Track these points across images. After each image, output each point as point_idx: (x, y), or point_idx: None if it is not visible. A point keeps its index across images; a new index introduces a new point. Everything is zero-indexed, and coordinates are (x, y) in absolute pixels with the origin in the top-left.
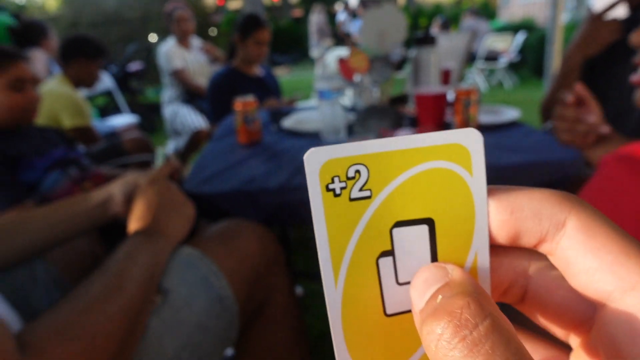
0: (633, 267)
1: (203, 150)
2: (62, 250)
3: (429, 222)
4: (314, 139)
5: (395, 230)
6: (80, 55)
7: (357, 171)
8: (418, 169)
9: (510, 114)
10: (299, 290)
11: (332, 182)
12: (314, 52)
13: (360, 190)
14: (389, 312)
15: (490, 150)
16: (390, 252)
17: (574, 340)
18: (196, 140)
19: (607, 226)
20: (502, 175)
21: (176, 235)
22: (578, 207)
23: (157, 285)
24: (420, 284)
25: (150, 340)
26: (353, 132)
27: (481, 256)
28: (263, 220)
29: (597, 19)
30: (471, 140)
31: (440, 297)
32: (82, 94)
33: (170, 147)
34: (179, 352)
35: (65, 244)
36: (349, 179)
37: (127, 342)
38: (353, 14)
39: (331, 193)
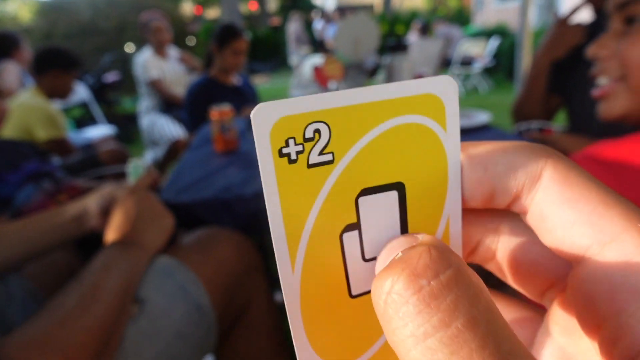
0: (613, 217)
1: (180, 160)
2: (38, 264)
3: (399, 187)
4: None
5: (362, 200)
6: (53, 66)
7: (317, 130)
8: (387, 125)
9: (481, 117)
10: (279, 296)
11: (287, 145)
12: (293, 60)
13: (321, 154)
14: (354, 292)
15: None
16: (355, 225)
17: (547, 301)
18: (174, 149)
19: (585, 177)
20: None
21: (153, 246)
22: (554, 157)
23: (134, 295)
24: (385, 253)
25: (128, 349)
26: None
27: (453, 222)
28: (240, 228)
29: (562, 23)
30: (446, 90)
31: (399, 253)
32: (57, 105)
33: (148, 157)
34: None
35: (41, 258)
36: (306, 140)
37: (104, 353)
38: (328, 19)
39: (285, 159)
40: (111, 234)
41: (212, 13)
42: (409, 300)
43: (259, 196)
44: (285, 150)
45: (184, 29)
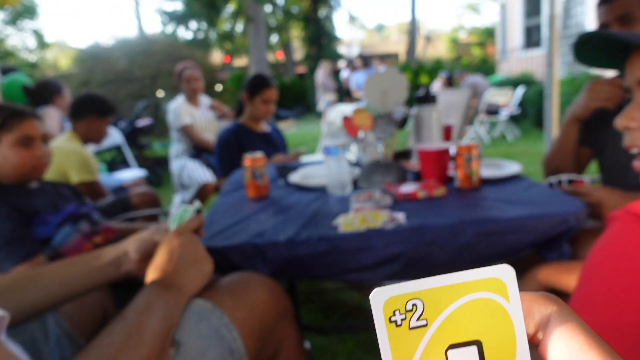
0: (591, 355)
1: (213, 205)
2: (73, 304)
3: (478, 344)
4: (321, 193)
5: (450, 352)
6: (90, 113)
7: (414, 305)
8: (465, 300)
9: (512, 168)
10: (306, 345)
11: (394, 314)
12: (320, 106)
13: (418, 320)
14: None
15: (493, 203)
16: None
17: None
18: (203, 193)
19: (577, 322)
20: (507, 228)
21: (191, 291)
22: (557, 305)
23: (172, 337)
24: None
25: None
26: (358, 187)
27: None
28: (272, 274)
29: (598, 83)
30: (505, 274)
31: None
32: (90, 148)
33: (177, 200)
34: None
35: (77, 299)
36: (407, 311)
37: None
38: (352, 67)
39: (393, 324)
40: (153, 273)
41: (240, 62)
42: None
43: (291, 242)
44: (393, 318)
45: (213, 76)
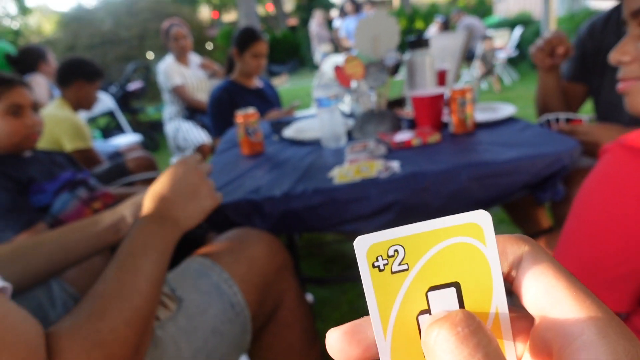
0: (560, 288)
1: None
2: (77, 269)
3: (456, 285)
4: (315, 146)
5: (430, 294)
6: (77, 77)
7: (396, 250)
8: (443, 244)
9: (506, 110)
10: (309, 297)
11: (377, 260)
12: (317, 58)
13: (399, 264)
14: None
15: (487, 147)
16: (427, 311)
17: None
18: (200, 154)
19: (547, 259)
20: (501, 171)
21: (187, 225)
22: (529, 244)
23: (165, 281)
24: (430, 318)
25: (167, 345)
26: (352, 138)
27: (501, 309)
28: (269, 229)
29: (541, 39)
30: (482, 219)
31: (442, 314)
32: (82, 115)
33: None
34: (195, 356)
35: (79, 264)
36: (389, 257)
37: (140, 347)
38: (343, 13)
39: (377, 269)
40: (152, 199)
41: (229, 17)
42: (449, 339)
43: (287, 196)
44: (376, 264)
45: (202, 33)
